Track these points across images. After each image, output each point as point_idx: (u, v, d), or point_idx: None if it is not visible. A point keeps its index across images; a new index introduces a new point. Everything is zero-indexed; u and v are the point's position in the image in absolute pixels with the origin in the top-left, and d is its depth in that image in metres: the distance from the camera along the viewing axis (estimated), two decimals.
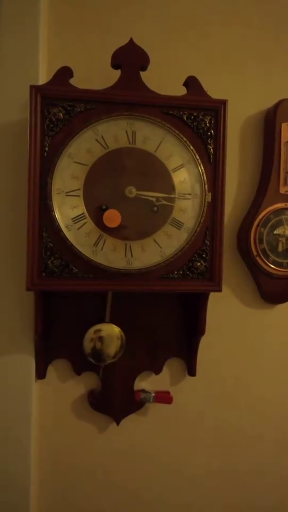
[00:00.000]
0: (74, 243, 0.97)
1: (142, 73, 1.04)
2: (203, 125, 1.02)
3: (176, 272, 1.03)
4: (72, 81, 1.00)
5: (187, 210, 1.02)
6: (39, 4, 1.08)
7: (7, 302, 1.11)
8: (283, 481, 1.32)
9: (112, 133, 0.99)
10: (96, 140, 0.99)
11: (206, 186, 1.02)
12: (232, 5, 1.23)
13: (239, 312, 1.27)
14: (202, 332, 1.13)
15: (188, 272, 1.03)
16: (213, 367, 1.25)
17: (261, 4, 1.24)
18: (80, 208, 0.98)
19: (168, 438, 1.25)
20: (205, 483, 1.28)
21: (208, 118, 1.02)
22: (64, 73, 1.00)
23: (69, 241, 0.97)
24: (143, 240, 1.01)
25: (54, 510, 1.20)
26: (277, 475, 1.32)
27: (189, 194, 1.02)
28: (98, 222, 0.98)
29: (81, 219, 0.98)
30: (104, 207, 0.98)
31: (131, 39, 1.04)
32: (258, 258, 1.20)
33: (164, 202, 1.01)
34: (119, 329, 1.14)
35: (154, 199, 1.00)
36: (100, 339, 1.13)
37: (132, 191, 1.00)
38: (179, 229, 1.02)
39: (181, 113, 1.01)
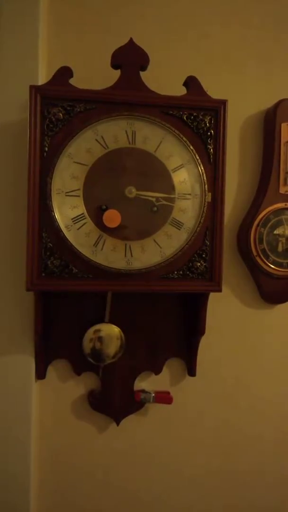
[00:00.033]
0: (74, 243, 0.97)
1: (142, 73, 1.04)
2: (203, 125, 1.02)
3: (176, 272, 1.03)
4: (72, 81, 1.00)
5: (187, 210, 1.02)
6: (39, 4, 1.08)
7: (7, 302, 1.11)
8: (283, 481, 1.32)
9: (112, 133, 0.99)
10: (96, 140, 0.99)
11: (206, 186, 1.02)
12: (232, 5, 1.23)
13: (239, 312, 1.27)
14: (202, 332, 1.13)
15: (188, 272, 1.03)
16: (213, 367, 1.25)
17: (261, 4, 1.24)
18: (80, 208, 0.98)
19: (168, 438, 1.25)
20: (205, 483, 1.28)
21: (208, 118, 1.02)
22: (64, 73, 1.00)
23: (69, 241, 0.97)
24: (143, 240, 1.01)
25: (54, 510, 1.20)
26: (277, 475, 1.32)
27: (189, 194, 1.02)
28: (98, 222, 0.98)
29: (81, 219, 0.98)
30: (104, 207, 0.98)
31: (131, 39, 1.04)
32: (258, 258, 1.20)
33: (164, 202, 1.01)
34: (119, 329, 1.14)
35: (154, 199, 1.00)
36: (100, 339, 1.13)
37: (132, 191, 0.99)
38: (179, 229, 1.02)
39: (181, 113, 1.01)
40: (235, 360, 1.27)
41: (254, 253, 1.19)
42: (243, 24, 1.24)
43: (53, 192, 0.97)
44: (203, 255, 1.04)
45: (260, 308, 1.28)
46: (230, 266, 1.25)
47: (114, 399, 1.18)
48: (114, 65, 1.04)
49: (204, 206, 1.02)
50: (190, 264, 1.03)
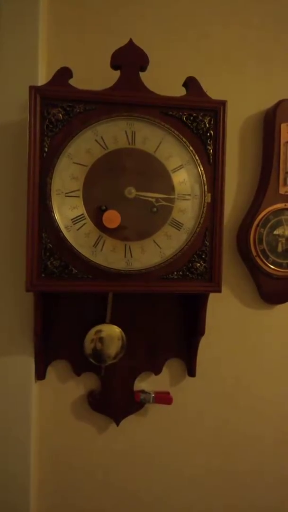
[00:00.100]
0: (73, 244, 0.97)
1: (141, 74, 1.04)
2: (202, 126, 1.02)
3: (175, 272, 1.03)
4: (71, 81, 1.00)
5: (187, 210, 1.02)
6: (38, 4, 1.08)
7: (6, 302, 1.11)
8: (283, 481, 1.32)
9: (111, 133, 0.99)
10: (96, 140, 0.98)
11: (206, 186, 1.02)
12: (232, 5, 1.23)
13: (239, 312, 1.27)
14: (202, 332, 1.13)
15: (187, 273, 1.03)
16: (213, 367, 1.25)
17: (261, 4, 1.24)
18: (80, 209, 0.98)
19: (168, 439, 1.25)
20: (205, 483, 1.28)
21: (208, 118, 1.02)
22: (64, 73, 1.00)
23: (69, 242, 0.97)
24: (142, 241, 1.01)
25: (54, 510, 1.20)
26: (277, 475, 1.32)
27: (189, 194, 1.02)
28: (98, 222, 0.98)
29: (80, 219, 0.98)
30: (103, 207, 0.98)
31: (130, 40, 1.04)
32: (257, 259, 1.20)
33: (164, 203, 1.01)
34: (120, 329, 1.14)
35: (153, 200, 1.00)
36: (101, 339, 1.13)
37: (131, 192, 0.99)
38: (179, 230, 1.02)
39: (181, 113, 1.01)
40: (235, 361, 1.27)
41: (254, 253, 1.19)
42: (243, 24, 1.24)
43: (53, 193, 0.97)
44: (203, 256, 1.04)
45: (260, 308, 1.28)
46: (230, 266, 1.25)
47: (114, 400, 1.18)
48: (114, 66, 1.03)
49: (203, 207, 1.02)
50: (190, 264, 1.03)
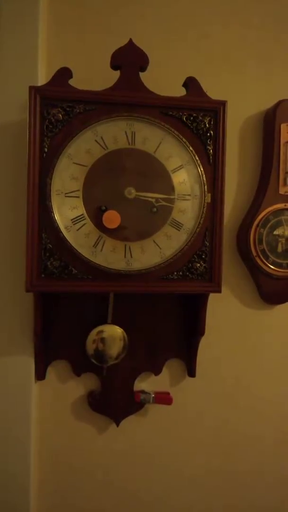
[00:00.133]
0: (73, 244, 0.97)
1: (141, 74, 1.04)
2: (202, 126, 1.02)
3: (175, 273, 1.03)
4: (71, 81, 1.00)
5: (187, 211, 1.02)
6: (38, 4, 1.08)
7: (6, 302, 1.11)
8: (283, 481, 1.32)
9: (111, 134, 0.99)
10: (96, 141, 0.98)
11: (206, 187, 1.02)
12: (232, 5, 1.23)
13: (239, 312, 1.27)
14: (202, 332, 1.13)
15: (187, 273, 1.03)
16: (213, 367, 1.25)
17: (261, 4, 1.24)
18: (80, 209, 0.98)
19: (168, 439, 1.25)
20: (205, 484, 1.28)
21: (208, 119, 1.02)
22: (64, 74, 1.00)
23: (69, 242, 0.97)
24: (142, 241, 1.01)
25: (54, 510, 1.20)
26: (277, 475, 1.32)
27: (189, 195, 1.02)
28: (98, 223, 0.98)
29: (80, 220, 0.98)
30: (103, 208, 0.98)
31: (130, 40, 1.04)
32: (257, 259, 1.20)
33: (164, 203, 1.01)
34: (122, 330, 1.14)
35: (153, 200, 1.00)
36: (102, 340, 1.13)
37: (131, 192, 0.99)
38: (179, 230, 1.02)
39: (181, 114, 1.01)
40: (235, 361, 1.27)
41: (254, 253, 1.19)
42: (243, 24, 1.24)
43: (53, 193, 0.96)
44: (203, 256, 1.04)
45: (260, 308, 1.28)
46: (230, 266, 1.25)
47: (114, 400, 1.18)
48: (114, 66, 1.03)
49: (203, 207, 1.02)
50: (190, 265, 1.03)
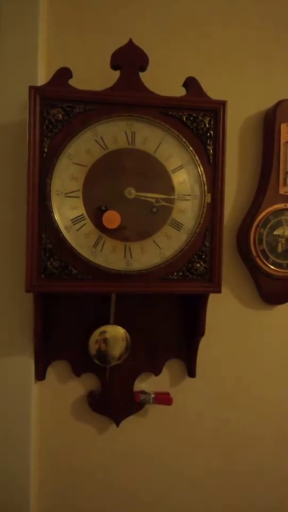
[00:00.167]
0: (73, 244, 0.97)
1: (141, 74, 1.04)
2: (202, 126, 1.02)
3: (175, 273, 1.03)
4: (71, 81, 1.00)
5: (187, 211, 1.02)
6: (39, 4, 1.07)
7: (6, 303, 1.11)
8: (283, 481, 1.32)
9: (111, 134, 0.99)
10: (96, 141, 0.98)
11: (206, 187, 1.02)
12: (232, 5, 1.23)
13: (239, 313, 1.27)
14: (202, 333, 1.13)
15: (187, 273, 1.03)
16: (213, 368, 1.25)
17: (261, 4, 1.24)
18: (80, 209, 0.98)
19: (168, 439, 1.25)
20: (205, 484, 1.28)
21: (208, 119, 1.02)
22: (63, 73, 1.00)
23: (68, 242, 0.97)
24: (142, 241, 1.00)
25: (54, 510, 1.20)
26: (277, 475, 1.32)
27: (189, 195, 1.02)
28: (98, 223, 0.98)
29: (80, 220, 0.98)
30: (103, 208, 0.98)
31: (130, 40, 1.04)
32: (257, 259, 1.20)
33: (164, 203, 1.01)
34: (124, 330, 1.14)
35: (153, 200, 1.00)
36: (105, 341, 1.13)
37: (131, 192, 0.99)
38: (179, 230, 1.02)
39: (181, 114, 1.01)
40: (235, 361, 1.27)
41: (254, 253, 1.19)
42: (243, 24, 1.23)
43: (53, 193, 0.96)
44: (203, 256, 1.04)
45: (260, 308, 1.28)
46: (230, 267, 1.25)
47: (114, 400, 1.18)
48: (114, 66, 1.03)
49: (203, 207, 1.02)
50: (190, 265, 1.03)
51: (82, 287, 0.99)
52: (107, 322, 1.14)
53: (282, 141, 1.19)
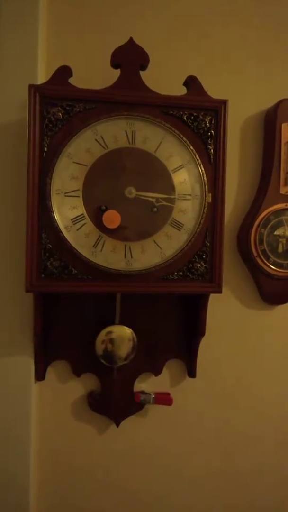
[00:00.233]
0: (73, 244, 0.97)
1: (142, 73, 1.03)
2: (203, 125, 1.02)
3: (176, 273, 1.02)
4: (71, 81, 1.00)
5: (187, 211, 1.02)
6: (38, 4, 1.07)
7: (6, 303, 1.11)
8: (284, 482, 1.32)
9: (111, 133, 0.99)
10: (96, 140, 0.98)
11: (206, 186, 1.02)
12: (232, 5, 1.23)
13: (239, 313, 1.27)
14: (202, 333, 1.13)
15: (188, 273, 1.03)
16: (213, 368, 1.25)
17: (261, 4, 1.24)
18: (80, 209, 0.98)
19: (168, 440, 1.25)
20: (206, 484, 1.27)
21: (208, 118, 1.02)
22: (63, 72, 0.99)
23: (68, 242, 0.97)
24: (143, 241, 1.00)
25: (54, 510, 1.20)
26: (278, 475, 1.31)
27: (189, 194, 1.02)
28: (98, 223, 0.98)
29: (80, 219, 0.98)
30: (103, 207, 0.98)
31: (130, 38, 1.03)
32: (258, 259, 1.20)
33: (164, 203, 1.00)
34: (131, 330, 1.13)
35: (154, 200, 1.00)
36: (111, 341, 1.12)
37: (131, 192, 0.99)
38: (179, 230, 1.02)
39: (181, 113, 1.01)
40: (235, 361, 1.27)
41: (255, 254, 1.19)
42: (243, 24, 1.23)
43: (53, 193, 0.96)
44: (203, 256, 1.03)
45: (260, 309, 1.27)
46: (230, 267, 1.25)
47: (114, 400, 1.17)
48: (114, 65, 1.03)
49: (204, 207, 1.02)
50: (190, 265, 1.03)
51: (82, 287, 0.99)
52: (107, 322, 1.14)
53: (283, 140, 1.19)
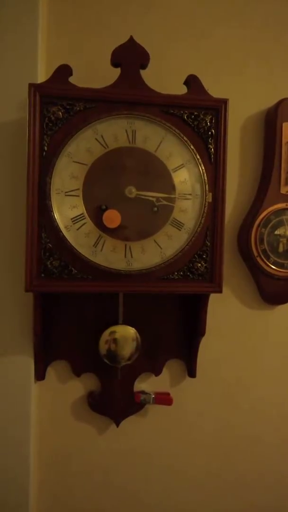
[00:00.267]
0: (73, 244, 0.97)
1: (142, 72, 1.03)
2: (203, 125, 1.02)
3: (176, 273, 1.02)
4: (71, 80, 1.00)
5: (188, 210, 1.01)
6: (38, 4, 1.07)
7: (6, 302, 1.10)
8: (284, 482, 1.32)
9: (112, 132, 0.98)
10: (96, 139, 0.98)
11: (207, 186, 1.01)
12: (232, 5, 1.22)
13: (240, 313, 1.27)
14: (202, 333, 1.13)
15: (188, 273, 1.03)
16: (213, 368, 1.25)
17: (261, 4, 1.24)
18: (80, 208, 0.98)
19: (168, 440, 1.24)
20: (205, 484, 1.27)
21: (209, 117, 1.02)
22: (63, 71, 0.99)
23: (69, 242, 0.96)
24: (143, 241, 1.00)
25: (53, 510, 1.20)
26: (278, 476, 1.31)
27: (190, 194, 1.02)
28: (98, 222, 0.98)
29: (80, 219, 0.98)
30: (103, 207, 0.98)
31: (131, 37, 1.03)
32: (258, 259, 1.19)
33: (165, 202, 1.00)
34: (135, 330, 1.13)
35: (154, 199, 1.00)
36: (115, 341, 1.12)
37: (132, 191, 0.99)
38: (180, 230, 1.01)
39: (182, 112, 1.01)
40: (235, 361, 1.27)
41: (255, 253, 1.19)
42: (243, 24, 1.23)
43: (53, 192, 0.96)
44: (204, 256, 1.03)
45: (261, 309, 1.27)
46: (231, 266, 1.24)
47: (114, 401, 1.17)
48: (114, 63, 1.03)
49: (204, 206, 1.01)
50: (191, 265, 1.03)
51: (82, 287, 0.99)
52: (108, 322, 1.13)
53: (284, 140, 1.19)
